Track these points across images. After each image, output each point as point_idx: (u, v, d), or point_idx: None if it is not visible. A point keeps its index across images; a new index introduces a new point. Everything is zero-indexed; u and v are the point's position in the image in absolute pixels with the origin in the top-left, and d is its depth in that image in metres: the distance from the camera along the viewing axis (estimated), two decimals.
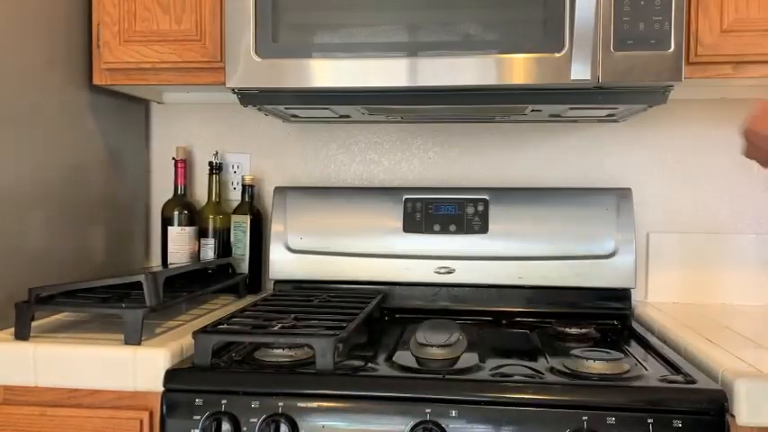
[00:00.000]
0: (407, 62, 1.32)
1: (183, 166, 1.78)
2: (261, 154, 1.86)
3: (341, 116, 1.65)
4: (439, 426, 1.06)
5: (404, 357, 1.24)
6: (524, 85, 1.31)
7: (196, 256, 1.75)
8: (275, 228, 1.72)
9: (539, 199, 1.65)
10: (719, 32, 1.36)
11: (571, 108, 1.44)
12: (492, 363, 1.22)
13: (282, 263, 1.70)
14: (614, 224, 1.62)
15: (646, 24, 1.26)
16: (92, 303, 1.28)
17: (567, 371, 1.15)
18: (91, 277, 1.57)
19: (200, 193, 1.87)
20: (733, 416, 1.04)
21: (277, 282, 1.72)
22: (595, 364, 1.15)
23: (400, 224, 1.68)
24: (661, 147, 1.74)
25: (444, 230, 1.66)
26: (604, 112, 1.53)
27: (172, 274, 1.44)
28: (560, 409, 1.06)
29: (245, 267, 1.74)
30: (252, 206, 1.76)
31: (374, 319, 1.63)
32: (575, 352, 1.19)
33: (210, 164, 1.78)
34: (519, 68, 1.30)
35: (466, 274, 1.65)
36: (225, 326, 1.25)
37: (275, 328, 1.21)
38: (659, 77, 1.27)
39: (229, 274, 1.72)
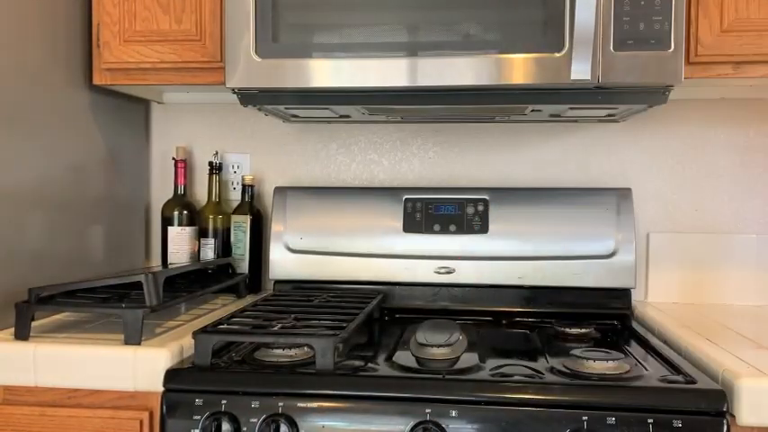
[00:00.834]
0: (407, 62, 1.32)
1: (183, 166, 1.78)
2: (261, 154, 1.86)
3: (341, 116, 1.65)
4: (439, 426, 1.06)
5: (404, 357, 1.24)
6: (524, 85, 1.31)
7: (196, 256, 1.75)
8: (275, 228, 1.72)
9: (539, 199, 1.65)
10: (719, 32, 1.36)
11: (571, 108, 1.44)
12: (492, 363, 1.22)
13: (282, 263, 1.70)
14: (614, 224, 1.62)
15: (646, 24, 1.26)
16: (92, 303, 1.28)
17: (567, 371, 1.15)
18: (91, 277, 1.57)
19: (201, 193, 1.87)
20: (733, 416, 1.04)
21: (277, 282, 1.72)
22: (595, 364, 1.15)
23: (400, 224, 1.68)
24: (661, 147, 1.74)
25: (444, 230, 1.66)
26: (604, 112, 1.53)
27: (172, 274, 1.44)
28: (560, 409, 1.06)
29: (245, 267, 1.74)
30: (252, 206, 1.76)
31: (374, 319, 1.63)
32: (575, 352, 1.19)
33: (210, 164, 1.78)
34: (519, 68, 1.30)
35: (466, 274, 1.65)
36: (225, 326, 1.25)
37: (275, 328, 1.21)
38: (659, 77, 1.27)
39: (229, 275, 1.72)
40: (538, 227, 1.64)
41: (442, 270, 1.66)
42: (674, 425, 1.03)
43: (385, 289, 1.67)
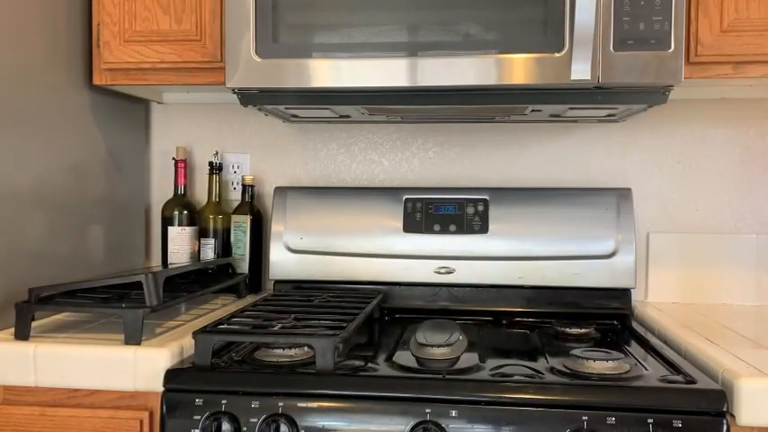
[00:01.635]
0: (407, 62, 1.32)
1: (183, 166, 1.78)
2: (261, 154, 1.86)
3: (341, 116, 1.65)
4: (439, 426, 1.06)
5: (404, 357, 1.24)
6: (524, 85, 1.31)
7: (196, 256, 1.75)
8: (275, 228, 1.72)
9: (539, 199, 1.65)
10: (719, 32, 1.36)
11: (571, 108, 1.44)
12: (492, 363, 1.22)
13: (282, 263, 1.70)
14: (614, 224, 1.62)
15: (646, 24, 1.26)
16: (92, 303, 1.28)
17: (567, 371, 1.15)
18: (91, 277, 1.57)
19: (201, 193, 1.87)
20: (733, 416, 1.04)
21: (277, 282, 1.72)
22: (595, 364, 1.15)
23: (400, 224, 1.68)
24: (661, 147, 1.74)
25: (444, 230, 1.66)
26: (604, 112, 1.53)
27: (172, 274, 1.44)
28: (560, 409, 1.06)
29: (245, 267, 1.74)
30: (252, 206, 1.76)
31: (374, 319, 1.63)
32: (575, 352, 1.20)
33: (210, 164, 1.78)
34: (519, 68, 1.30)
35: (466, 274, 1.65)
36: (225, 326, 1.25)
37: (275, 328, 1.21)
38: (659, 77, 1.27)
39: (229, 274, 1.72)
40: (538, 227, 1.64)
41: (442, 270, 1.66)
42: (674, 425, 1.03)
43: (385, 289, 1.68)
